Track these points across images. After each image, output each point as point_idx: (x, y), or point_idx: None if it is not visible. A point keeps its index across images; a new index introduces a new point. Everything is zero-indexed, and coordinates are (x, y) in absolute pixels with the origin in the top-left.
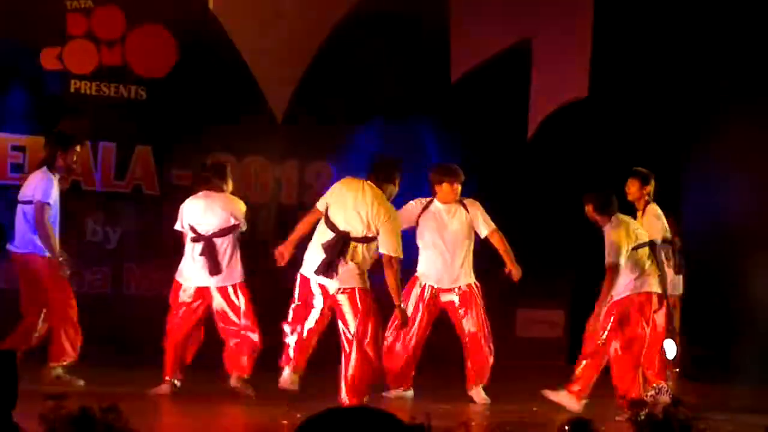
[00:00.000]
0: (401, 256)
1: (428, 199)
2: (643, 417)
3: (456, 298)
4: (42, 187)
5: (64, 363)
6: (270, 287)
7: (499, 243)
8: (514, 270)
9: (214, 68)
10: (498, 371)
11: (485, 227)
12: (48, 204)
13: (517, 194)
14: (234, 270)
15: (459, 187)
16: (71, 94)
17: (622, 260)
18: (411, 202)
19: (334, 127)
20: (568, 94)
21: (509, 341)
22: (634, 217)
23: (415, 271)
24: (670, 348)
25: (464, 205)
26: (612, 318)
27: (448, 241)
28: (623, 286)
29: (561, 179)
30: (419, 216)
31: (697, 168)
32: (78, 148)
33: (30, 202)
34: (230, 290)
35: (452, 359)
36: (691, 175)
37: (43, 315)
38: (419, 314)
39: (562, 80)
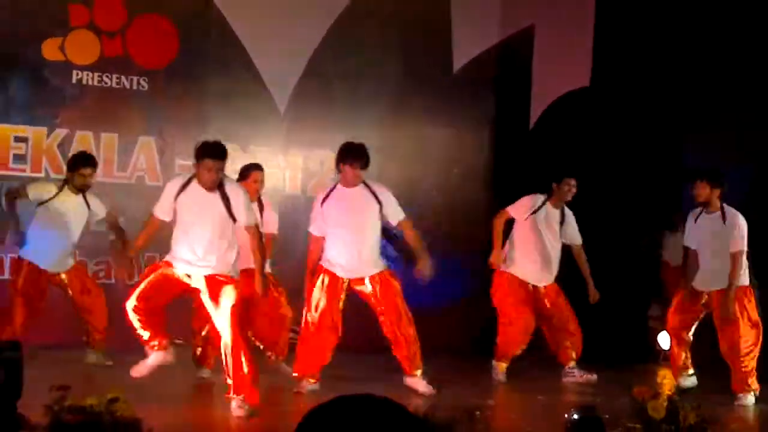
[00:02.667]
0: None
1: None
2: None
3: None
4: None
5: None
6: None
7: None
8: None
9: (215, 58)
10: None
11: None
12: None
13: (520, 182)
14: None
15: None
16: (73, 85)
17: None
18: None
19: (337, 116)
20: (570, 83)
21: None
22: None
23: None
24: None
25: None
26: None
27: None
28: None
29: (563, 168)
30: None
31: (697, 158)
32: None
33: None
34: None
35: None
36: (691, 164)
37: None
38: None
39: (564, 69)
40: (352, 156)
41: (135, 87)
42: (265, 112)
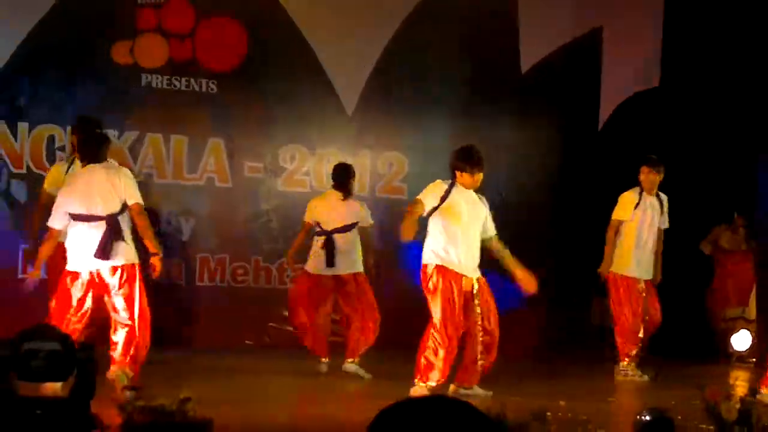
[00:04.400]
0: None
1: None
2: None
3: None
4: None
5: None
6: None
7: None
8: None
9: (283, 60)
10: (574, 361)
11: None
12: None
13: (588, 184)
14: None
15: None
16: (142, 88)
17: None
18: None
19: (405, 117)
20: (639, 83)
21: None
22: None
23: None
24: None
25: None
26: None
27: None
28: None
29: (632, 169)
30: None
31: None
32: None
33: None
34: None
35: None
36: (764, 165)
37: None
38: None
39: (633, 70)
40: (473, 163)
41: (204, 90)
42: (333, 114)
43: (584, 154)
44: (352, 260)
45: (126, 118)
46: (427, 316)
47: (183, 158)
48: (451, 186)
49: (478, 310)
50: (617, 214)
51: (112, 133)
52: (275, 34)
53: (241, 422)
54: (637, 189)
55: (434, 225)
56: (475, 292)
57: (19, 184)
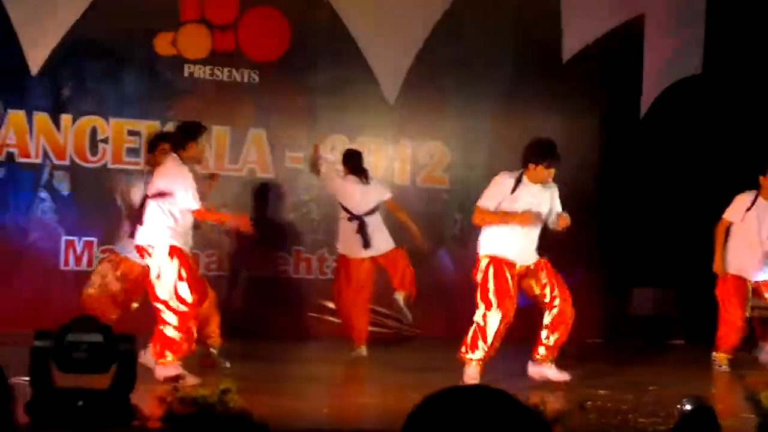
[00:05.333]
0: None
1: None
2: None
3: None
4: None
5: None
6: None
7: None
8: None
9: (326, 50)
10: (614, 350)
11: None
12: None
13: (630, 173)
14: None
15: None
16: (185, 79)
17: None
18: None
19: (446, 107)
20: (681, 71)
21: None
22: None
23: None
24: None
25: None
26: None
27: None
28: None
29: (675, 157)
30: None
31: None
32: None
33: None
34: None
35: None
36: None
37: None
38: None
39: (674, 57)
40: (551, 158)
41: (246, 80)
42: (374, 103)
43: (626, 143)
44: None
45: (168, 109)
46: (467, 307)
47: (225, 149)
48: (519, 179)
49: (543, 284)
50: (728, 213)
51: (154, 124)
52: (317, 24)
53: (280, 413)
54: (754, 192)
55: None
56: (534, 270)
57: (62, 175)
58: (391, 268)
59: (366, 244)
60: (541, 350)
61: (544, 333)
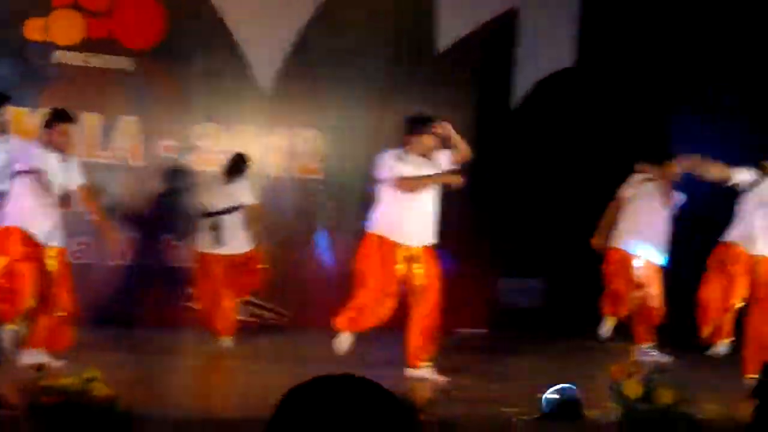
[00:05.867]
0: None
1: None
2: None
3: None
4: None
5: None
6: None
7: None
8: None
9: (201, 38)
10: (484, 340)
11: None
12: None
13: (502, 163)
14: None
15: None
16: (56, 65)
17: None
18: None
19: (322, 96)
20: (554, 64)
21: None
22: None
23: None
24: None
25: None
26: None
27: None
28: None
29: (546, 149)
30: None
31: (682, 138)
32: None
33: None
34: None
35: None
36: (676, 144)
37: None
38: None
39: (548, 50)
40: (424, 126)
41: (119, 67)
42: (249, 92)
43: (498, 134)
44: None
45: (40, 95)
46: (343, 298)
47: (97, 136)
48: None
49: (419, 281)
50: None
51: (23, 111)
52: (192, 12)
53: (146, 401)
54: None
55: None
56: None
57: None
58: (242, 271)
59: (217, 241)
60: (415, 354)
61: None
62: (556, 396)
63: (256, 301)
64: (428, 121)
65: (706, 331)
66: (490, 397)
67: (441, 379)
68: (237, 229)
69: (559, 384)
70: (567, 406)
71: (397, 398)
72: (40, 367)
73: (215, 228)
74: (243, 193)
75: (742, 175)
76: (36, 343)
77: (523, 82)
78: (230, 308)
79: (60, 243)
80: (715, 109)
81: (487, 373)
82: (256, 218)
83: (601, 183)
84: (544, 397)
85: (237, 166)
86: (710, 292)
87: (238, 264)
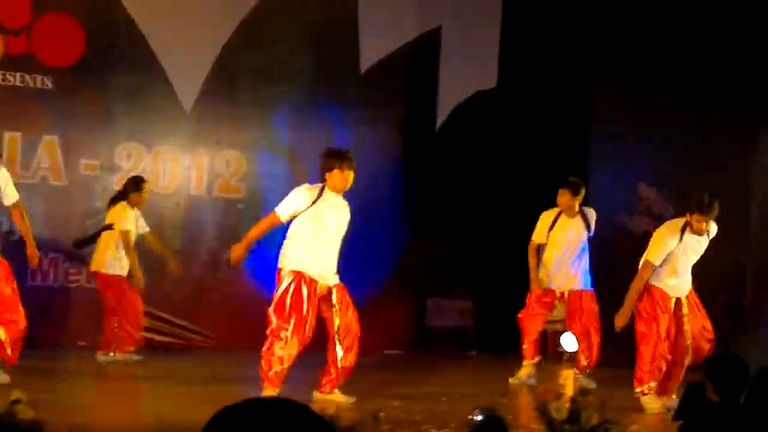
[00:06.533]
0: None
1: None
2: None
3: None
4: None
5: None
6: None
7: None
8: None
9: (122, 56)
10: (411, 361)
11: None
12: None
13: (427, 183)
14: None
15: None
16: None
17: None
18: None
19: (244, 115)
20: (477, 84)
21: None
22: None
23: None
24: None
25: None
26: None
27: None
28: None
29: (471, 168)
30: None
31: (602, 161)
32: None
33: None
34: None
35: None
36: (596, 166)
37: None
38: None
39: (471, 70)
40: (347, 160)
41: (39, 85)
42: (171, 111)
43: (423, 154)
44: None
45: None
46: (262, 318)
47: (17, 155)
48: (322, 190)
49: (338, 313)
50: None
51: None
52: (113, 29)
53: (72, 423)
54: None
55: (297, 229)
56: (333, 296)
57: None
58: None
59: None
60: (329, 385)
61: (332, 370)
62: (483, 417)
63: (179, 323)
64: (340, 156)
65: None
66: (417, 420)
67: (349, 399)
68: (108, 251)
69: (484, 405)
70: (493, 427)
71: (326, 421)
72: None
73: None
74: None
75: (667, 249)
76: None
77: (447, 101)
78: (118, 327)
79: None
80: (631, 129)
81: (414, 394)
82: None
83: (525, 203)
84: (470, 417)
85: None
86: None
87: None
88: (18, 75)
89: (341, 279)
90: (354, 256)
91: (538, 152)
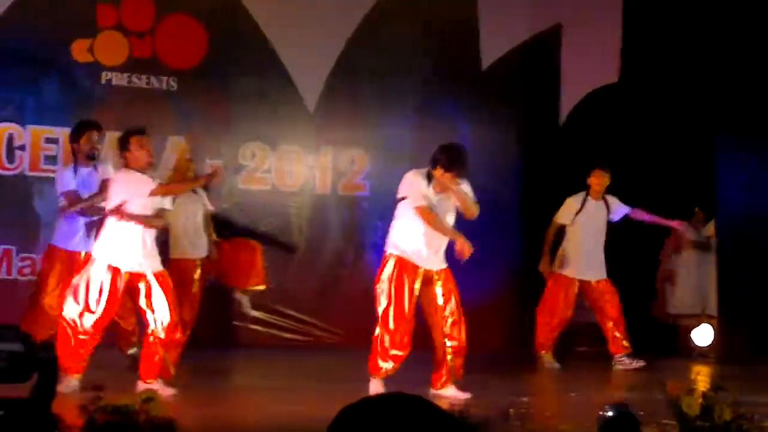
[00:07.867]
0: None
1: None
2: None
3: None
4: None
5: None
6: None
7: None
8: None
9: (244, 57)
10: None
11: None
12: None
13: (551, 181)
14: None
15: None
16: (102, 86)
17: None
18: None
19: (366, 114)
20: (598, 80)
21: None
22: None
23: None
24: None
25: None
26: None
27: None
28: None
29: (594, 166)
30: None
31: (728, 155)
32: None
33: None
34: None
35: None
36: (722, 162)
37: None
38: None
39: (592, 66)
40: (459, 164)
41: (164, 87)
42: (294, 111)
43: (545, 151)
44: None
45: (87, 116)
46: None
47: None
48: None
49: (443, 297)
50: (558, 217)
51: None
52: (236, 31)
53: (203, 422)
54: (582, 194)
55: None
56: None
57: None
58: None
59: None
60: (441, 379)
61: (449, 358)
62: (613, 412)
63: (308, 320)
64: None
65: None
66: (547, 415)
67: (464, 396)
68: None
69: (614, 400)
70: (625, 422)
71: (456, 417)
72: (98, 387)
73: None
74: None
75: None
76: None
77: (569, 98)
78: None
79: None
80: (762, 127)
81: (541, 390)
82: None
83: (646, 197)
84: (601, 413)
85: None
86: None
87: None
88: (143, 77)
89: (456, 275)
90: (476, 252)
91: (663, 148)
